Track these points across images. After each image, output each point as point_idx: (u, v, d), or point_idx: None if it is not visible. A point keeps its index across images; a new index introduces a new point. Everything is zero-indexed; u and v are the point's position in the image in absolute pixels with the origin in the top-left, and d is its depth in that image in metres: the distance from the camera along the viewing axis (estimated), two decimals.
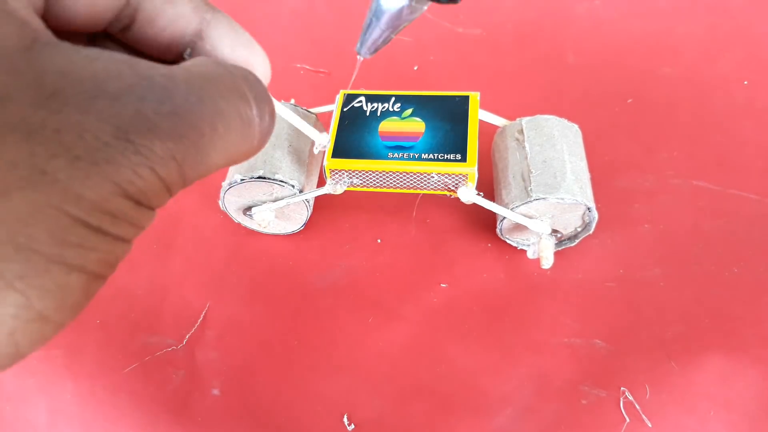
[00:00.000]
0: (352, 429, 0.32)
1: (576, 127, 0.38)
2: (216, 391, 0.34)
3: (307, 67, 0.52)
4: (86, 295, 0.16)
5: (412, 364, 0.35)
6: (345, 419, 0.33)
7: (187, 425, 0.33)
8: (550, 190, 0.34)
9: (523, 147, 0.36)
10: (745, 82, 0.47)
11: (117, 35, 0.26)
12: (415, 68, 0.51)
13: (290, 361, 0.35)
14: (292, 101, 0.41)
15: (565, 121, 0.38)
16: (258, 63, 0.28)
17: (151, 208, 0.18)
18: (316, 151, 0.35)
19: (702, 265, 0.37)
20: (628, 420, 0.31)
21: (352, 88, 0.38)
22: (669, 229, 0.39)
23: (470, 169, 0.33)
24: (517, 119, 0.38)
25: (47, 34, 0.19)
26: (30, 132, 0.16)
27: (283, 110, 0.32)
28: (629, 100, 0.47)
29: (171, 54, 0.27)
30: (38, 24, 0.18)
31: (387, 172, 0.34)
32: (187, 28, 0.27)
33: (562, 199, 0.34)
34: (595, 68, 0.50)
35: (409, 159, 0.34)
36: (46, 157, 0.16)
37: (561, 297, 0.37)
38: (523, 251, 0.38)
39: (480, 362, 0.34)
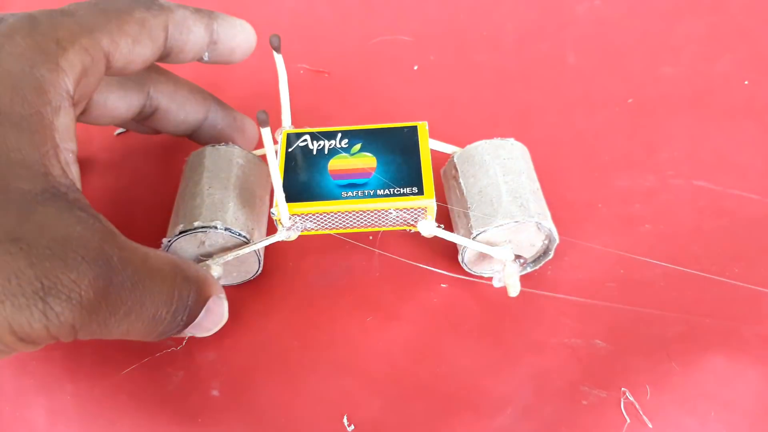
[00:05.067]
0: (352, 429, 0.32)
1: (511, 140, 0.36)
2: (216, 392, 0.34)
3: (307, 66, 0.52)
4: None
5: (412, 364, 0.35)
6: (345, 420, 0.33)
7: (186, 426, 0.33)
8: (488, 220, 0.33)
9: (459, 183, 0.35)
10: (746, 82, 0.47)
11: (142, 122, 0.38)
12: (415, 68, 0.51)
13: (290, 362, 0.35)
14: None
15: (496, 141, 0.36)
16: (247, 128, 0.42)
17: (35, 344, 0.21)
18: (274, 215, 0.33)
19: (703, 265, 0.37)
20: (628, 420, 0.31)
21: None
22: (669, 229, 0.39)
23: (428, 201, 0.32)
24: (452, 154, 0.37)
25: (60, 185, 0.23)
26: None
27: (273, 167, 0.30)
28: (629, 100, 0.47)
29: (182, 132, 0.41)
30: (57, 173, 0.23)
31: (343, 213, 0.33)
32: (195, 120, 0.40)
33: (501, 225, 0.32)
34: (595, 68, 0.50)
35: (364, 197, 0.32)
36: None
37: (561, 297, 0.37)
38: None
39: (480, 362, 0.34)
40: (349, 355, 0.35)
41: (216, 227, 0.33)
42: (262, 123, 0.27)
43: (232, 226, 0.34)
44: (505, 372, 0.34)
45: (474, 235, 0.33)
